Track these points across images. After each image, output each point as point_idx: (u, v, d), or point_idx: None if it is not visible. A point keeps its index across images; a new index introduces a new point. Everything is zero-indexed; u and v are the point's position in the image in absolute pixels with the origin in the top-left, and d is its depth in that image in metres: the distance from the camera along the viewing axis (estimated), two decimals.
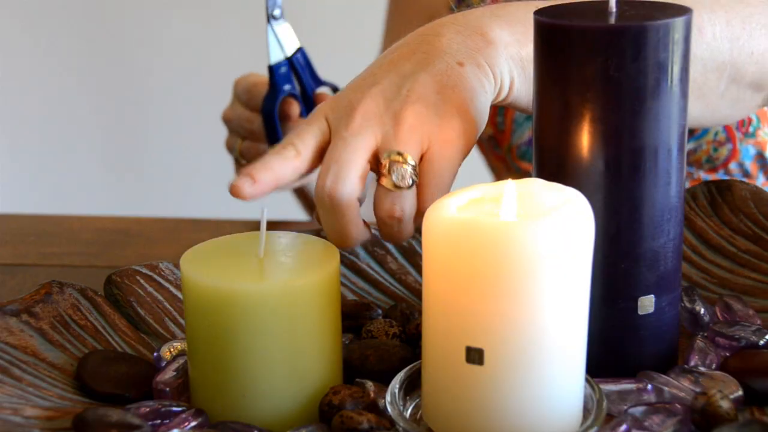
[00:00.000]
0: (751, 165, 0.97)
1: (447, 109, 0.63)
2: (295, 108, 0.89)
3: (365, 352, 0.61)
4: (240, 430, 0.55)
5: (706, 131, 0.96)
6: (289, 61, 0.89)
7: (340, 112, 0.64)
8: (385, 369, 0.60)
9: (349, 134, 0.63)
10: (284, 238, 0.60)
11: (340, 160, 0.62)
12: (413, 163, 0.62)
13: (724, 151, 0.96)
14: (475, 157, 1.19)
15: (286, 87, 0.89)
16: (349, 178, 0.62)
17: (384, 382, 0.58)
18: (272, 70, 0.88)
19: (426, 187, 0.63)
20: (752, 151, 0.96)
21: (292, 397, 0.57)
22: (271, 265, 0.57)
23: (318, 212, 0.64)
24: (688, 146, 0.96)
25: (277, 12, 0.87)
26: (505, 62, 0.66)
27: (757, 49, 0.69)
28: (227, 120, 0.96)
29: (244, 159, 0.95)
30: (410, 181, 0.62)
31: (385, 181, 0.62)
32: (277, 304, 0.55)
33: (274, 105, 0.88)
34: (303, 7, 1.93)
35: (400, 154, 0.62)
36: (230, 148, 0.97)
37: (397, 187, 0.62)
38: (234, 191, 0.62)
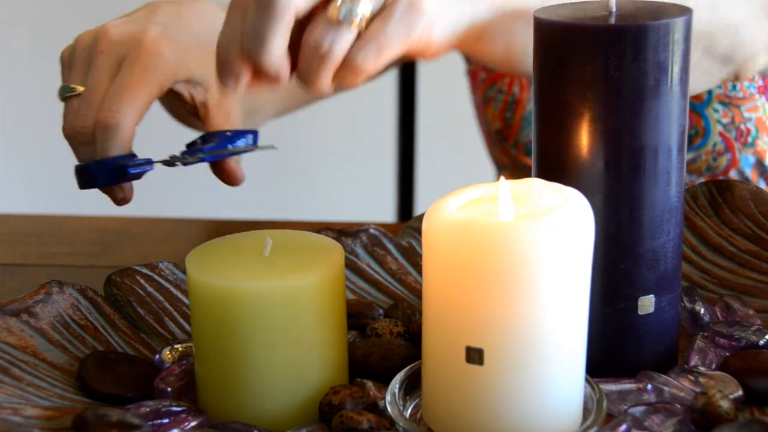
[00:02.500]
0: (751, 173, 0.97)
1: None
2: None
3: (369, 350, 0.61)
4: (240, 430, 0.55)
5: (704, 142, 0.96)
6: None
7: None
8: (388, 367, 0.60)
9: None
10: (289, 236, 0.60)
11: None
12: (370, 7, 0.57)
13: (723, 161, 0.96)
14: (477, 153, 1.19)
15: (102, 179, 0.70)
16: None
17: (387, 380, 0.58)
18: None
19: (364, 40, 0.57)
20: (752, 159, 0.96)
21: (296, 395, 0.57)
22: (276, 263, 0.57)
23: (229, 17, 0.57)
24: (688, 156, 0.96)
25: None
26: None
27: (732, 20, 0.67)
28: (86, 45, 0.73)
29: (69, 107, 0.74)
30: (357, 22, 0.56)
31: (331, 11, 0.56)
32: (282, 303, 0.55)
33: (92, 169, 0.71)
34: None
35: None
36: (66, 67, 0.76)
37: (338, 22, 0.56)
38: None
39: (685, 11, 0.57)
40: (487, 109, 1.06)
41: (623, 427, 0.54)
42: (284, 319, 0.55)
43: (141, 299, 0.68)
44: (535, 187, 0.54)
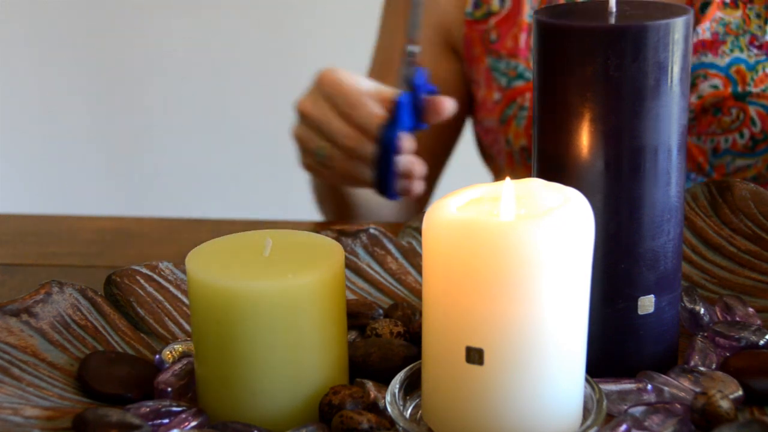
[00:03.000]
0: None
1: None
2: (409, 143, 0.88)
3: (369, 350, 0.62)
4: (240, 429, 0.55)
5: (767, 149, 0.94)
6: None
7: None
8: (388, 367, 0.60)
9: None
10: (289, 236, 0.60)
11: None
12: None
13: None
14: (478, 154, 1.19)
15: (407, 121, 0.88)
16: None
17: (387, 380, 0.58)
18: (399, 103, 0.87)
19: None
20: None
21: (296, 395, 0.57)
22: (276, 263, 0.57)
23: None
24: (744, 162, 0.94)
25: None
26: None
27: None
28: (305, 114, 0.92)
29: (327, 163, 0.93)
30: None
31: None
32: (282, 303, 0.55)
33: (394, 137, 0.87)
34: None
35: None
36: (304, 141, 0.94)
37: None
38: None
39: (685, 11, 0.57)
40: (507, 129, 1.04)
41: (623, 427, 0.54)
42: (284, 319, 0.55)
43: (141, 299, 0.68)
44: (535, 187, 0.54)
